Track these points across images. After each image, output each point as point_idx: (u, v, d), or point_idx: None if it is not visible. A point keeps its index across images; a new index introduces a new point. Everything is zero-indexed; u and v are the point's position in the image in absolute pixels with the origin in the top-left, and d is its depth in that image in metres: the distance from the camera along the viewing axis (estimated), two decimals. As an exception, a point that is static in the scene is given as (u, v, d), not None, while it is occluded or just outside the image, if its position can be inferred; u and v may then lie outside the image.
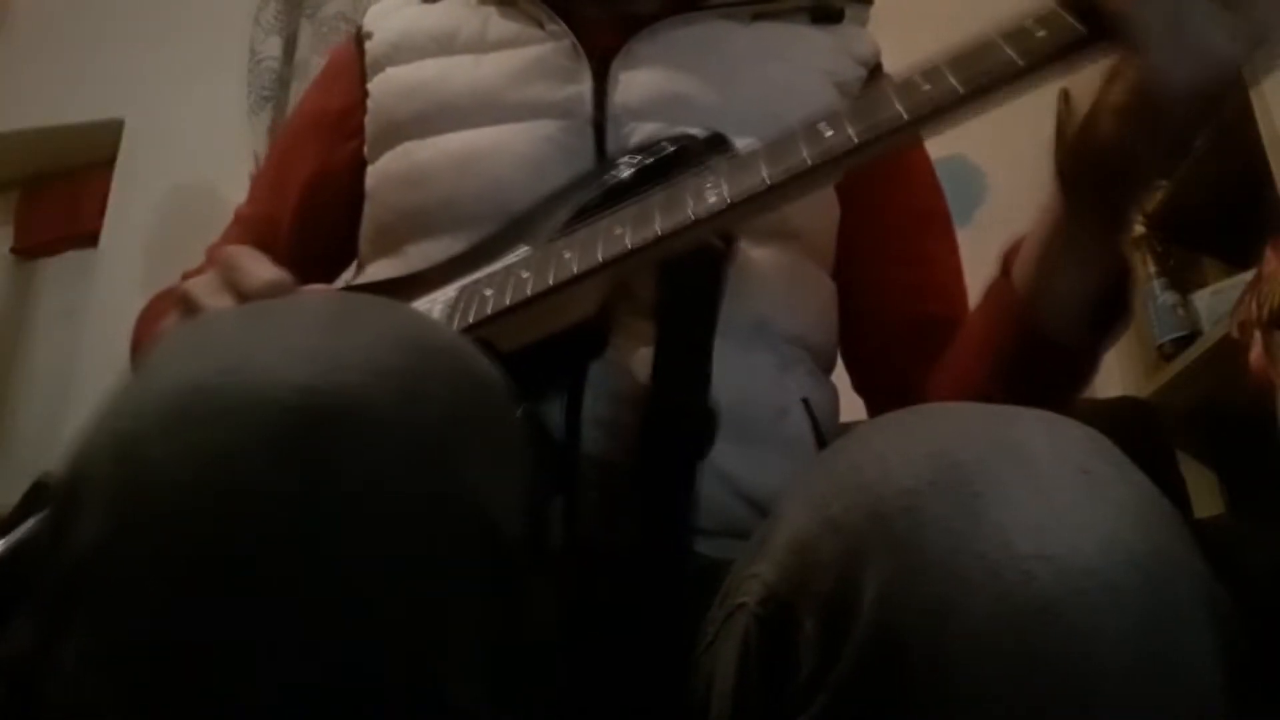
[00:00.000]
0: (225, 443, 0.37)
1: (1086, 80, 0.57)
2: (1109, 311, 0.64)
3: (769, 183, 0.56)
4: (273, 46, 2.32)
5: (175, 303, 0.63)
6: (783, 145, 0.58)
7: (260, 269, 0.61)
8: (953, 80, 0.53)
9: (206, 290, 0.61)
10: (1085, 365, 0.67)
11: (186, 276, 0.89)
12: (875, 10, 0.89)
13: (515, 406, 0.46)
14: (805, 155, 0.56)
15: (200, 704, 0.36)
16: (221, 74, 2.35)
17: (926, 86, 0.54)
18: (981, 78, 0.52)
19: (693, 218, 0.58)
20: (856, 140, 0.55)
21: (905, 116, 0.54)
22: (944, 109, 0.53)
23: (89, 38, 2.47)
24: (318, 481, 0.37)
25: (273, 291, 0.59)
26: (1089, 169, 0.59)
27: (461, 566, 0.40)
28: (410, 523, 0.38)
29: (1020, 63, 0.52)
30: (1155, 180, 0.58)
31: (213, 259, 0.90)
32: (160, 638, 0.37)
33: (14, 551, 0.62)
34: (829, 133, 0.56)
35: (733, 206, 0.57)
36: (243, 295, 0.60)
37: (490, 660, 0.41)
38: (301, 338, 0.40)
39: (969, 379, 0.71)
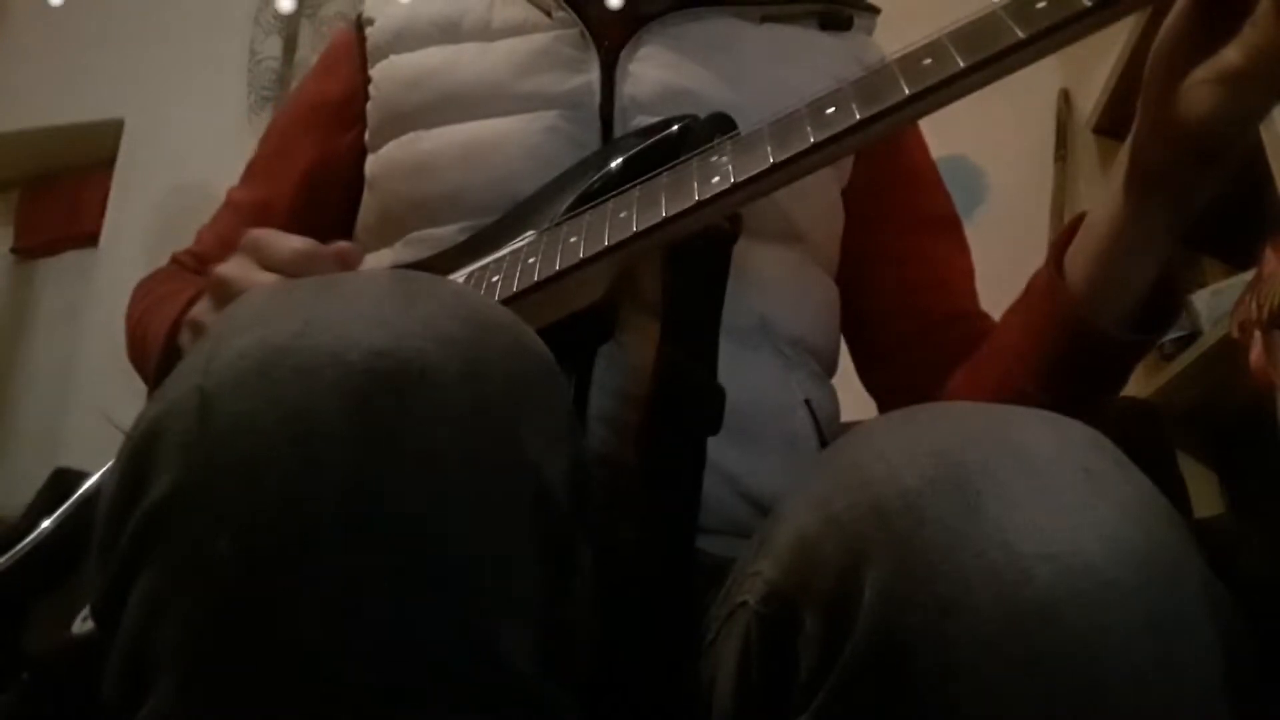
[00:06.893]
0: (299, 399, 0.38)
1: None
2: (1160, 309, 0.61)
3: (773, 161, 0.56)
4: (273, 46, 2.32)
5: (207, 286, 0.64)
6: (788, 125, 0.58)
7: (284, 240, 0.62)
8: (955, 54, 0.53)
9: (236, 270, 0.62)
10: (1129, 366, 0.64)
11: (175, 259, 0.89)
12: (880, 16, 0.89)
13: (566, 385, 0.47)
14: (810, 133, 0.56)
15: (259, 650, 0.37)
16: (221, 74, 2.35)
17: (929, 61, 0.54)
18: (983, 51, 0.52)
19: (698, 199, 0.58)
20: (859, 116, 0.54)
21: (908, 91, 0.53)
22: (946, 83, 0.53)
23: (89, 38, 2.47)
24: (384, 439, 0.38)
25: (300, 258, 0.61)
26: (1179, 154, 0.54)
27: (518, 528, 0.40)
28: (470, 484, 0.39)
29: (1021, 34, 0.51)
30: (1240, 161, 0.53)
31: (200, 238, 0.90)
32: (226, 585, 0.37)
33: (78, 512, 0.65)
34: (833, 110, 0.56)
35: (738, 186, 0.57)
36: (271, 267, 0.61)
37: (541, 625, 0.41)
38: (371, 306, 0.41)
39: (1008, 377, 0.67)
